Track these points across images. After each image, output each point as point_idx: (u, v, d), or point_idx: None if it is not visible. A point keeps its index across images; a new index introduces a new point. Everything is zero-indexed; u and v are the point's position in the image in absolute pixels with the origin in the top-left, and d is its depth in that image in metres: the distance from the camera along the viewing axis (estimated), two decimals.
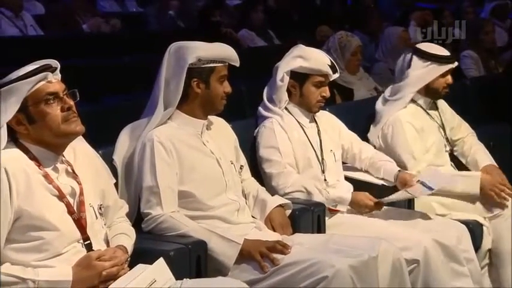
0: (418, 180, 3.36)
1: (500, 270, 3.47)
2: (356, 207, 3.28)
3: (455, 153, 3.86)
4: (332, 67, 3.33)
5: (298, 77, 3.32)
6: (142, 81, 3.36)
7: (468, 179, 3.55)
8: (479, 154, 3.78)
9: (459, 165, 3.81)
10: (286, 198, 3.11)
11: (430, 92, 3.70)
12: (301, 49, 3.35)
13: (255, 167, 3.27)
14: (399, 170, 3.44)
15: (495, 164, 3.76)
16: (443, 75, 3.66)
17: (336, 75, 3.38)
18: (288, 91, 3.33)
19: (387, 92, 3.78)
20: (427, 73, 3.65)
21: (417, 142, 3.60)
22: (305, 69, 3.30)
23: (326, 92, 3.34)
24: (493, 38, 5.99)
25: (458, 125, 3.88)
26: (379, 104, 3.76)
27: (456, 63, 3.71)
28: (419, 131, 3.63)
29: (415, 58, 3.69)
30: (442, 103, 3.85)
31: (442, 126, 3.77)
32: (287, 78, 3.31)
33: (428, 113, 3.74)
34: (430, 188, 3.27)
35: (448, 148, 3.79)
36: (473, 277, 3.22)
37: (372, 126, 3.73)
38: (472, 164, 3.79)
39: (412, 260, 2.98)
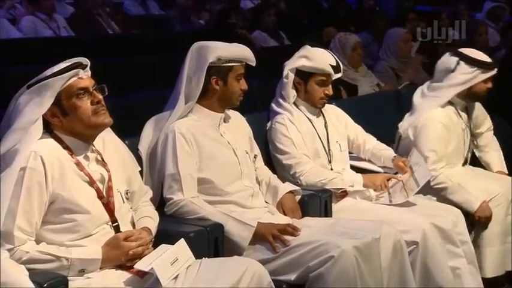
0: (410, 166, 3.36)
1: (482, 249, 3.45)
2: (369, 187, 3.27)
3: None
4: (335, 67, 3.31)
5: (303, 75, 3.31)
6: (165, 77, 3.35)
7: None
8: (492, 157, 3.78)
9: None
10: (304, 184, 3.13)
11: (469, 96, 3.60)
12: (306, 49, 3.34)
13: (267, 156, 3.27)
14: (395, 156, 3.45)
15: (505, 169, 3.75)
16: (485, 81, 3.57)
17: (339, 75, 3.35)
18: (296, 88, 3.33)
19: (425, 87, 3.69)
20: (472, 78, 3.54)
21: (443, 142, 3.51)
22: (308, 68, 3.29)
23: (329, 90, 3.32)
24: (486, 38, 5.94)
25: (483, 119, 3.81)
26: (417, 98, 3.67)
27: (496, 70, 3.59)
28: (448, 132, 3.54)
29: (462, 63, 3.56)
30: (477, 106, 3.77)
31: (469, 128, 3.68)
32: (292, 76, 3.30)
33: (460, 116, 3.65)
34: (418, 185, 3.26)
35: (466, 153, 3.70)
36: (467, 257, 3.21)
37: (406, 116, 3.66)
38: (485, 164, 3.79)
39: (412, 242, 2.96)
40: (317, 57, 3.31)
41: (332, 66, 3.30)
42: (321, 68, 3.29)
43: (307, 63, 3.29)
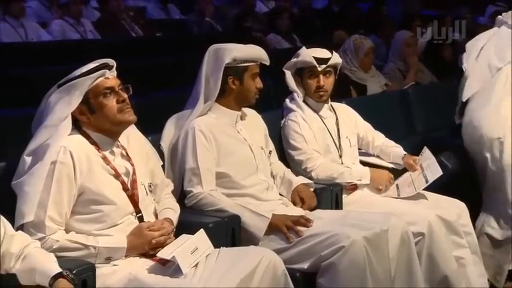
0: (421, 165, 3.32)
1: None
2: (376, 181, 3.24)
3: None
4: (321, 59, 3.22)
5: (298, 72, 3.29)
6: (185, 77, 3.36)
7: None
8: None
9: None
10: (316, 179, 3.11)
11: None
12: (300, 49, 3.31)
13: (281, 152, 3.25)
14: (405, 154, 3.41)
15: None
16: None
17: (323, 66, 3.23)
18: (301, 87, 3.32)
19: None
20: None
21: None
22: (297, 63, 3.26)
23: (319, 81, 3.24)
24: None
25: None
26: None
27: None
28: None
29: None
30: None
31: None
32: (288, 73, 3.28)
33: None
34: (427, 181, 3.23)
35: None
36: (471, 248, 3.19)
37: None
38: None
39: (418, 233, 2.94)
40: (302, 52, 3.27)
41: (317, 58, 3.23)
42: (303, 61, 3.25)
43: (296, 60, 3.27)
